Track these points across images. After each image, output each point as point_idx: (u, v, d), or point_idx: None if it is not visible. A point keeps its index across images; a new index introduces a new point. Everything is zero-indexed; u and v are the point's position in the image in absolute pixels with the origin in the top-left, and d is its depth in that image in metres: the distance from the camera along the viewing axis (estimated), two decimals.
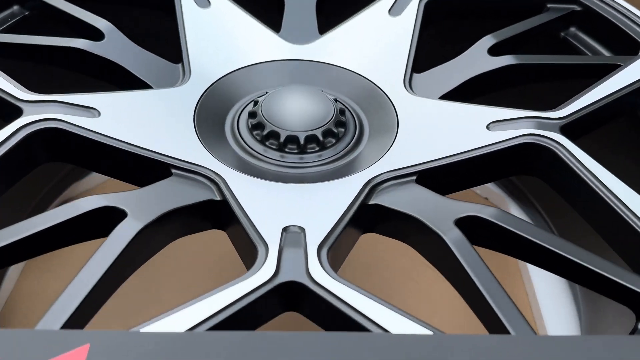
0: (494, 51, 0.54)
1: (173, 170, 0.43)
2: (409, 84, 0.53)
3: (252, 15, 0.57)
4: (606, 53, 0.57)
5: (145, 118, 0.46)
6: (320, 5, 0.59)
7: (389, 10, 0.58)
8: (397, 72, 0.53)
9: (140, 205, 0.40)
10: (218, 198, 0.42)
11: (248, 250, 0.40)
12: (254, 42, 0.56)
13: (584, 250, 0.39)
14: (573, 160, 0.44)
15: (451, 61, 0.54)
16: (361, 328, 0.34)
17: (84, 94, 0.46)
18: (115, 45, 0.52)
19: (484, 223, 0.41)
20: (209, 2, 0.57)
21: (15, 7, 0.58)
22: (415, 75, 0.54)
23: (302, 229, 0.40)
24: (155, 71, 0.52)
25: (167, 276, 0.65)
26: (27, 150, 0.43)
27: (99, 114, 0.45)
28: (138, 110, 0.47)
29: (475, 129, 0.46)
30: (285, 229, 0.40)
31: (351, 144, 0.49)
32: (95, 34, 0.53)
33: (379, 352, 0.27)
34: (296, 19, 0.58)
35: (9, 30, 0.56)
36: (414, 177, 0.44)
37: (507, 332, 0.34)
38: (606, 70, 0.51)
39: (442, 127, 0.48)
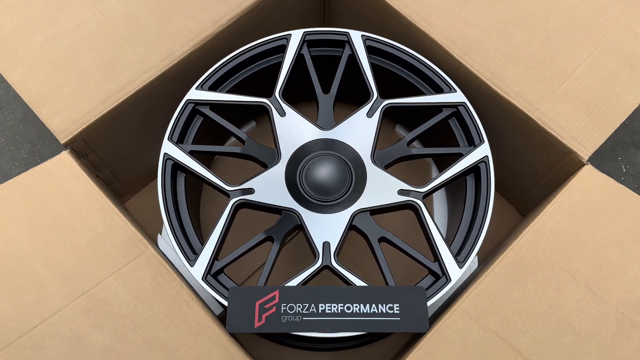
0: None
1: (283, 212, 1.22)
2: (372, 156, 1.26)
3: (304, 116, 1.29)
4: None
5: (269, 187, 1.23)
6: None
7: (367, 114, 1.28)
8: (369, 149, 1.27)
9: (280, 229, 1.20)
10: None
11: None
12: (305, 130, 1.28)
13: None
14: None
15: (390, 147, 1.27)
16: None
17: (248, 182, 1.23)
18: (251, 147, 1.27)
19: None
20: (285, 113, 1.28)
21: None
22: (376, 151, 1.27)
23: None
24: (267, 155, 1.27)
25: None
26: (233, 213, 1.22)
27: (254, 191, 1.22)
28: (265, 183, 1.23)
29: (392, 192, 1.23)
30: None
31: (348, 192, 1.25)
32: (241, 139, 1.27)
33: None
34: (324, 113, 1.29)
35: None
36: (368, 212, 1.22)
37: None
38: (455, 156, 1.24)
39: (380, 187, 1.24)
